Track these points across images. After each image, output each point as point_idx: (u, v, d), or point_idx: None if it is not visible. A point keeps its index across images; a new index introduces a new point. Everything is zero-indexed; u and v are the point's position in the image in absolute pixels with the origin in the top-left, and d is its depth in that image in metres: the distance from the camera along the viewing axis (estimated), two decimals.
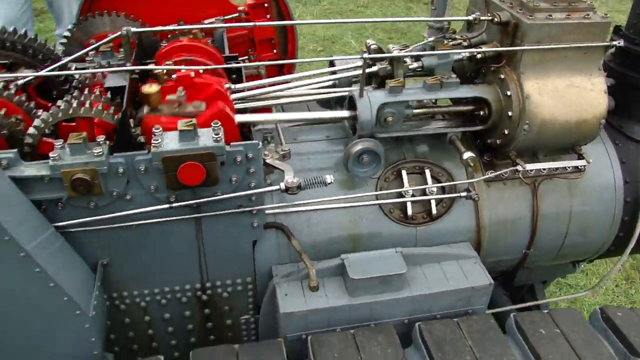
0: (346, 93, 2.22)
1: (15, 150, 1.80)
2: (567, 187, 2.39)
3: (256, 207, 2.01)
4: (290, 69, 2.82)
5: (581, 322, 2.19)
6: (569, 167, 2.34)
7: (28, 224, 1.76)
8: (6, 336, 1.86)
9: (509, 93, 2.10)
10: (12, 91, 1.93)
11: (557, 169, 2.31)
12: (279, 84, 2.23)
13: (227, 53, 2.47)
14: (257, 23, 2.26)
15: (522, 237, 2.40)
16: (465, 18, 2.19)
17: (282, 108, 2.64)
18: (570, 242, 2.49)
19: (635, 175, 2.44)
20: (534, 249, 2.43)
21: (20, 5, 4.38)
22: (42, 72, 1.97)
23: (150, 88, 1.91)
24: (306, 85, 2.29)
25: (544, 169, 2.30)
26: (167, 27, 2.18)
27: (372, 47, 2.26)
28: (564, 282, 4.17)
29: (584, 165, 2.32)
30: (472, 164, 2.13)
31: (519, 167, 2.19)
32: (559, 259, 2.58)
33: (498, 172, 2.23)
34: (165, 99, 1.95)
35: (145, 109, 1.96)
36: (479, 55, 2.17)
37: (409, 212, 2.23)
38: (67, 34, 2.42)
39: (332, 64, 2.33)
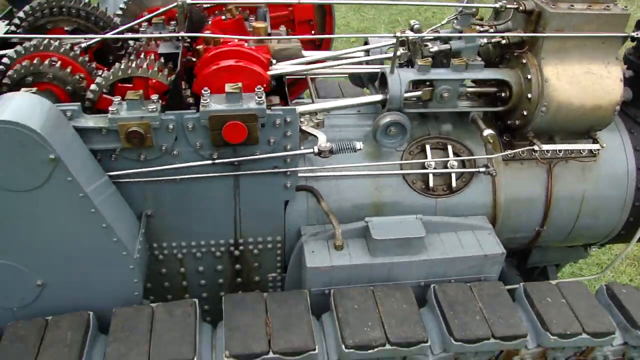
0: (377, 70, 2.39)
1: (79, 103, 2.01)
2: (582, 171, 2.53)
3: (290, 169, 2.20)
4: (327, 49, 2.99)
5: (586, 294, 2.33)
6: (584, 151, 2.48)
7: (87, 170, 1.97)
8: (59, 271, 2.07)
9: (529, 76, 2.26)
10: (77, 52, 2.14)
11: (572, 151, 2.45)
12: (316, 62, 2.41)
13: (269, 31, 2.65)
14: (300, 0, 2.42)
15: (536, 215, 2.55)
16: (493, 5, 2.34)
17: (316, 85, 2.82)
18: (582, 224, 2.62)
19: None
20: (546, 228, 2.58)
21: None
22: (107, 35, 2.18)
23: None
24: (340, 63, 2.46)
25: (559, 151, 2.44)
26: (218, 2, 2.37)
27: (416, 26, 2.43)
28: (578, 273, 4.28)
29: (598, 150, 2.45)
30: (491, 141, 2.28)
31: (535, 147, 2.34)
32: (571, 239, 2.72)
33: (516, 150, 2.39)
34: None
35: None
36: (503, 41, 2.33)
37: (431, 184, 2.40)
38: (122, 6, 2.62)
39: (366, 43, 2.50)
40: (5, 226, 1.94)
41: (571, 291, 2.32)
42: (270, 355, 1.92)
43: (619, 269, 4.39)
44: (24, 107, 1.82)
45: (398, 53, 2.34)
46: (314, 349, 1.94)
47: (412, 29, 2.39)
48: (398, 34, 2.15)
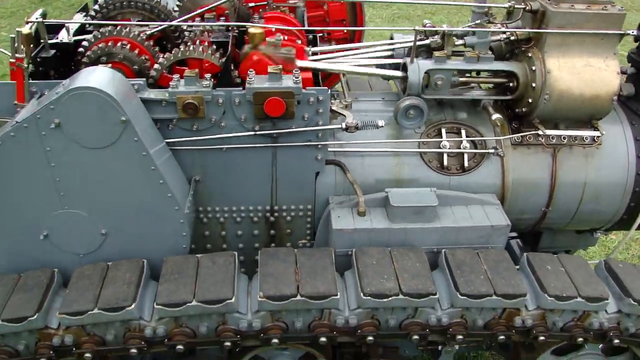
0: (400, 61, 2.71)
1: (144, 79, 2.38)
2: (584, 157, 2.78)
3: (321, 143, 2.52)
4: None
5: (585, 266, 2.58)
6: (586, 139, 2.74)
7: (150, 134, 2.33)
8: (121, 221, 2.43)
9: (534, 68, 2.55)
10: (143, 37, 2.52)
11: (575, 138, 2.71)
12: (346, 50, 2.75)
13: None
14: None
15: (541, 197, 2.81)
16: (503, 5, 2.65)
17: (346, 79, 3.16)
18: (585, 207, 2.87)
19: None
20: (552, 209, 2.83)
21: None
22: (173, 22, 2.58)
23: (256, 30, 2.46)
24: (368, 54, 2.80)
25: (563, 138, 2.71)
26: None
27: (428, 24, 2.75)
28: None
29: (599, 137, 2.71)
30: (499, 124, 2.57)
31: (540, 132, 2.62)
32: (576, 223, 2.95)
33: (522, 134, 2.67)
34: (265, 41, 2.49)
35: (248, 47, 2.50)
36: (512, 38, 2.62)
37: (445, 163, 2.69)
38: (178, 3, 3.01)
39: (391, 37, 2.83)
40: (80, 179, 2.31)
41: (570, 262, 2.57)
42: (298, 297, 2.23)
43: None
44: (102, 77, 2.20)
45: (427, 41, 2.65)
46: (336, 295, 2.24)
47: (424, 27, 2.71)
48: (417, 28, 2.47)
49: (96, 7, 2.70)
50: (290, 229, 2.77)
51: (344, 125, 2.46)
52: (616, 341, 2.53)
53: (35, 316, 2.23)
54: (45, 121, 2.16)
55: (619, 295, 2.51)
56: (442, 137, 2.70)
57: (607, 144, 2.81)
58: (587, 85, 2.54)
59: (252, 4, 3.01)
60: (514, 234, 3.23)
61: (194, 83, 2.35)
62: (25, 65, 2.29)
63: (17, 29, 2.30)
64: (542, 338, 2.46)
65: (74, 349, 2.32)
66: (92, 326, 2.30)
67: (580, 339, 2.50)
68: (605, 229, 3.13)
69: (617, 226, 3.07)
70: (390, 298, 2.26)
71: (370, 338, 2.35)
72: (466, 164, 2.70)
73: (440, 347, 2.99)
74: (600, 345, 2.76)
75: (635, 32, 2.57)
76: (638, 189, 2.84)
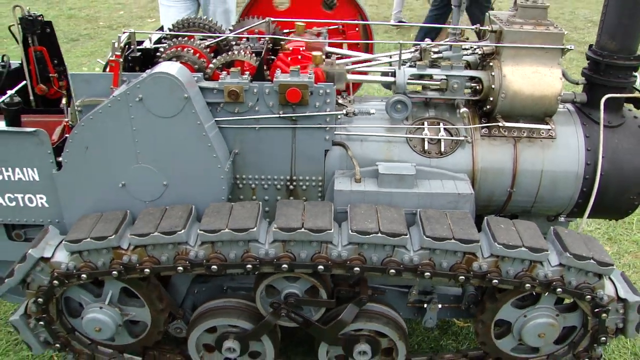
0: (391, 69, 3.55)
1: (201, 73, 3.30)
2: (541, 148, 3.48)
3: (329, 126, 3.34)
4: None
5: (533, 227, 3.22)
6: (543, 132, 3.45)
7: (203, 112, 3.22)
8: (178, 175, 3.26)
9: (493, 74, 3.32)
10: (202, 46, 3.48)
11: (532, 131, 3.43)
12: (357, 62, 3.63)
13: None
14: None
15: (506, 179, 3.49)
16: (472, 27, 3.47)
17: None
18: (545, 191, 3.52)
19: (595, 145, 3.47)
20: (516, 190, 3.51)
21: (189, 13, 6.34)
22: (223, 35, 3.54)
23: (317, 53, 3.41)
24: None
25: (522, 131, 3.43)
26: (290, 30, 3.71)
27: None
28: None
29: (551, 130, 3.41)
30: (465, 116, 3.34)
31: (499, 124, 3.36)
32: (540, 204, 3.59)
33: (487, 125, 3.41)
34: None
35: (311, 66, 3.43)
36: (480, 52, 3.42)
37: (426, 147, 3.45)
38: (230, 27, 3.98)
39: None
40: (152, 141, 3.21)
41: (521, 224, 3.22)
42: (302, 230, 3.01)
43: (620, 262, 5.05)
44: (173, 67, 3.12)
45: (406, 56, 3.49)
46: (331, 229, 3.00)
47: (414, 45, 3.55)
48: (401, 42, 3.32)
49: (170, 26, 3.70)
50: (305, 196, 3.56)
51: (344, 112, 3.29)
52: (559, 290, 3.14)
53: (113, 236, 3.10)
54: (132, 96, 3.08)
55: (560, 251, 3.14)
56: (424, 127, 3.48)
57: (562, 138, 3.50)
58: (535, 88, 3.28)
59: (287, 30, 3.95)
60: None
61: (237, 76, 3.25)
62: (121, 60, 3.26)
63: (118, 35, 3.29)
64: (495, 281, 3.11)
65: (137, 265, 3.17)
66: (152, 248, 3.14)
67: (528, 285, 3.13)
68: (568, 214, 3.75)
69: (579, 211, 3.70)
70: (371, 235, 2.99)
71: (357, 269, 3.07)
72: (443, 149, 3.45)
73: (425, 305, 3.68)
74: (554, 302, 3.37)
75: (572, 47, 3.31)
76: (588, 177, 3.49)
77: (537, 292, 3.22)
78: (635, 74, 3.49)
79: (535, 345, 3.46)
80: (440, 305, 3.66)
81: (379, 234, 2.99)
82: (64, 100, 3.92)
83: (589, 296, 3.14)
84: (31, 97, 4.07)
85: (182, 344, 3.73)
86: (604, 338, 3.33)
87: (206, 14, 6.63)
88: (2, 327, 4.45)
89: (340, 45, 4.18)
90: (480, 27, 3.41)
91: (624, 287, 3.25)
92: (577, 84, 3.64)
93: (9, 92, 3.64)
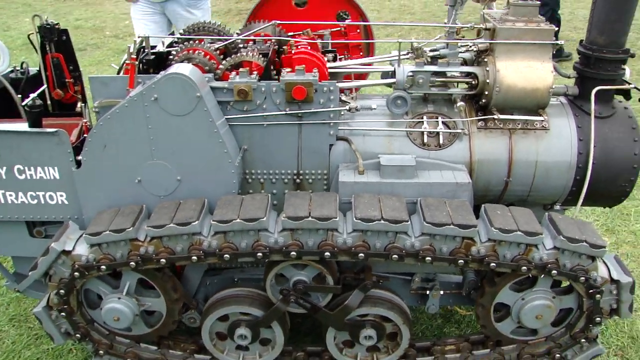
0: (391, 68, 3.74)
1: (212, 74, 3.50)
2: (535, 139, 3.65)
3: (333, 121, 3.53)
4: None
5: (528, 213, 3.39)
6: (537, 124, 3.62)
7: (215, 110, 3.41)
8: (190, 170, 3.45)
9: (488, 69, 3.50)
10: (212, 48, 3.68)
11: (526, 122, 3.60)
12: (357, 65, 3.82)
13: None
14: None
15: (502, 169, 3.67)
16: (467, 25, 3.65)
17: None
18: (540, 180, 3.70)
19: (587, 136, 3.64)
20: (512, 179, 3.69)
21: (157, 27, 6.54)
22: (232, 38, 3.73)
23: None
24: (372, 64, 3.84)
25: (517, 123, 3.61)
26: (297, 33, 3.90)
27: (414, 44, 3.79)
28: None
29: (543, 121, 3.59)
30: (462, 109, 3.51)
31: (494, 116, 3.54)
32: (535, 193, 3.76)
33: (482, 118, 3.59)
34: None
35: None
36: (475, 49, 3.61)
37: (426, 140, 3.63)
38: (238, 32, 4.18)
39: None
40: (166, 138, 3.40)
41: (517, 210, 3.39)
42: (310, 218, 3.18)
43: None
44: (186, 68, 3.32)
45: (407, 56, 3.68)
46: (336, 217, 3.18)
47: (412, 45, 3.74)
48: (400, 40, 3.51)
49: (181, 30, 3.90)
50: (311, 189, 3.74)
51: (347, 107, 3.48)
52: (554, 272, 3.30)
53: (130, 228, 3.29)
54: (148, 96, 3.28)
55: (554, 235, 3.31)
56: (424, 121, 3.66)
57: (555, 129, 3.67)
58: (527, 81, 3.46)
59: (292, 33, 4.15)
60: None
61: (246, 76, 3.45)
62: (136, 63, 3.46)
63: (134, 39, 3.50)
64: (493, 265, 3.28)
65: (154, 256, 3.35)
66: (167, 239, 3.33)
67: (524, 268, 3.29)
68: (563, 202, 3.92)
69: (573, 199, 3.86)
70: (374, 222, 3.17)
71: (362, 255, 3.25)
72: (441, 141, 3.63)
73: (427, 292, 3.85)
74: (550, 285, 3.53)
75: (562, 42, 3.49)
76: (581, 165, 3.66)
77: (534, 274, 3.39)
78: (624, 66, 3.66)
79: (534, 327, 3.62)
80: (442, 292, 3.83)
81: (382, 221, 3.17)
82: (79, 104, 4.13)
83: (583, 278, 3.30)
84: (48, 102, 4.28)
85: (195, 334, 3.91)
86: (598, 319, 3.49)
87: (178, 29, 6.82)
88: (23, 323, 4.65)
89: (342, 46, 4.38)
90: (475, 26, 3.60)
91: (616, 269, 3.41)
92: (569, 77, 3.81)
93: (32, 95, 3.85)
